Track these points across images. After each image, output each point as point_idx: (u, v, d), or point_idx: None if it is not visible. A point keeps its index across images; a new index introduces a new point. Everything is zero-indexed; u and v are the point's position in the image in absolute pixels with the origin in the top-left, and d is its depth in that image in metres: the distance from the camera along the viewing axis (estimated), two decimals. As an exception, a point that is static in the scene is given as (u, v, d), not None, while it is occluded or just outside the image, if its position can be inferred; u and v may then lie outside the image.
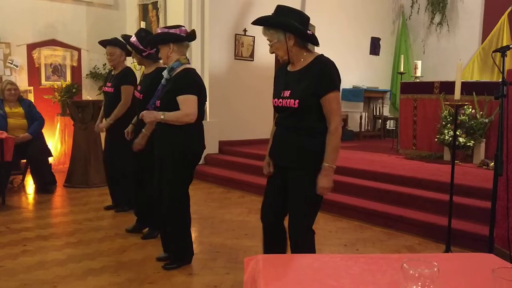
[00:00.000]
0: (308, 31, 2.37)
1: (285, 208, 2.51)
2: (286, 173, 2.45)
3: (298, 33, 2.35)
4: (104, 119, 4.61)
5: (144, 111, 3.08)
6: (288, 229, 2.47)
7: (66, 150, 6.55)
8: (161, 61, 3.64)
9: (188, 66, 3.17)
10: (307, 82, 2.32)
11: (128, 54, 4.57)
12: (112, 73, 4.69)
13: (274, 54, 2.48)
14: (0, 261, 3.26)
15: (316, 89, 2.30)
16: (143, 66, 3.94)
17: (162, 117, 2.99)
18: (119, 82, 4.48)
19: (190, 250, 3.33)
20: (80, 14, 7.28)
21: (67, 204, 5.06)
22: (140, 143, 3.61)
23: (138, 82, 4.01)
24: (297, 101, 2.31)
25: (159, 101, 3.09)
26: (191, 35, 3.18)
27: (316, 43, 2.41)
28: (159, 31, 3.18)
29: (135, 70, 4.70)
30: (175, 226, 3.23)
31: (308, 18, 2.42)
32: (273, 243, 2.61)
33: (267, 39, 2.40)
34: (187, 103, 3.00)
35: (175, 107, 3.01)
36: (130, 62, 4.18)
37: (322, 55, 2.42)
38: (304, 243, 2.45)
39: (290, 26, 2.32)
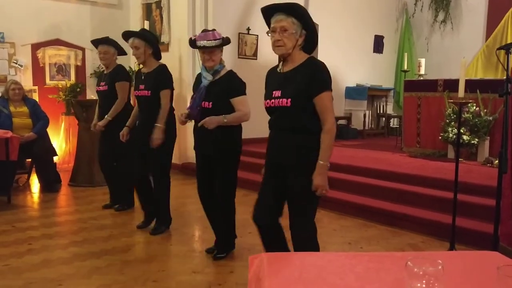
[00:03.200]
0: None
1: (281, 207, 2.50)
2: (284, 172, 2.40)
3: (312, 35, 2.34)
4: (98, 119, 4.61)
5: (207, 118, 3.01)
6: (290, 228, 2.43)
7: (71, 149, 6.57)
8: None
9: (227, 68, 3.22)
10: (299, 81, 2.29)
11: (121, 53, 4.64)
12: (104, 72, 4.69)
13: (276, 54, 2.44)
14: (5, 260, 3.28)
15: (309, 89, 2.27)
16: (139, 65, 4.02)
17: (225, 120, 3.02)
18: (113, 80, 4.51)
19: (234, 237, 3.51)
20: (84, 14, 7.30)
21: (72, 203, 5.08)
22: (158, 137, 3.67)
23: (136, 80, 4.01)
24: (289, 100, 2.27)
25: (211, 103, 3.08)
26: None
27: (311, 51, 2.41)
28: (218, 35, 3.11)
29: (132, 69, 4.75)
30: (230, 218, 3.38)
31: None
32: (273, 243, 2.57)
33: (281, 26, 2.27)
34: (244, 103, 3.12)
35: (228, 107, 3.08)
36: (134, 61, 4.20)
37: (313, 57, 2.41)
38: (308, 240, 2.43)
39: (311, 25, 2.32)
